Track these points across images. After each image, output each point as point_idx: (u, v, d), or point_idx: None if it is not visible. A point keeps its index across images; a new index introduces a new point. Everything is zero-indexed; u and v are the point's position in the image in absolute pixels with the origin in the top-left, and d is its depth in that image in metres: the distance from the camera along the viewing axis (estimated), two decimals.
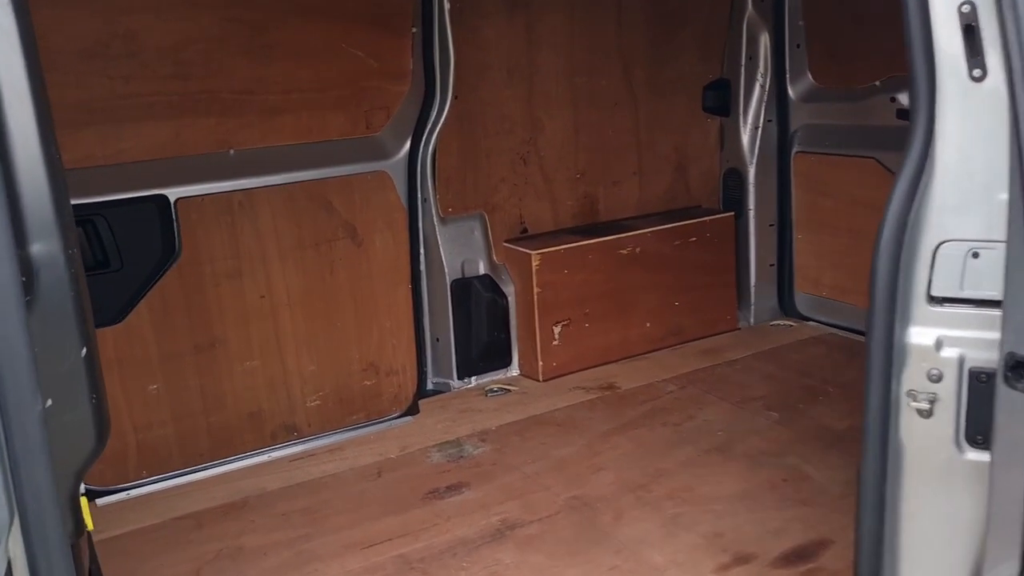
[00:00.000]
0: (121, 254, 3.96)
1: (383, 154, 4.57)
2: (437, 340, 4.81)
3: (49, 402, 1.32)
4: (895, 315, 2.16)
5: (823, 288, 5.33)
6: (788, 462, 3.78)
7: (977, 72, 1.99)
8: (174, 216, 4.06)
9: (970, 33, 2.04)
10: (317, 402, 4.49)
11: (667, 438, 4.07)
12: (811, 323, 5.41)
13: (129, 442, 4.06)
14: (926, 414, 2.14)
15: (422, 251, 4.72)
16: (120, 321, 4.01)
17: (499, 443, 4.14)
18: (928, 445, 2.15)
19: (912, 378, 2.16)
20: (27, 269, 1.34)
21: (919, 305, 2.12)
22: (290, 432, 4.41)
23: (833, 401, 4.34)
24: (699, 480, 3.68)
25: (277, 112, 4.28)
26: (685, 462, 3.85)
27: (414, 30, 4.48)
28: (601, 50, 4.96)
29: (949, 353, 1.98)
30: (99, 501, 3.87)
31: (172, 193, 4.06)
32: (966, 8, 2.04)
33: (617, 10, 4.93)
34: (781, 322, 5.49)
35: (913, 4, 2.13)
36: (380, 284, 4.60)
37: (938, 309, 2.08)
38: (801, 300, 5.48)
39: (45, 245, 1.36)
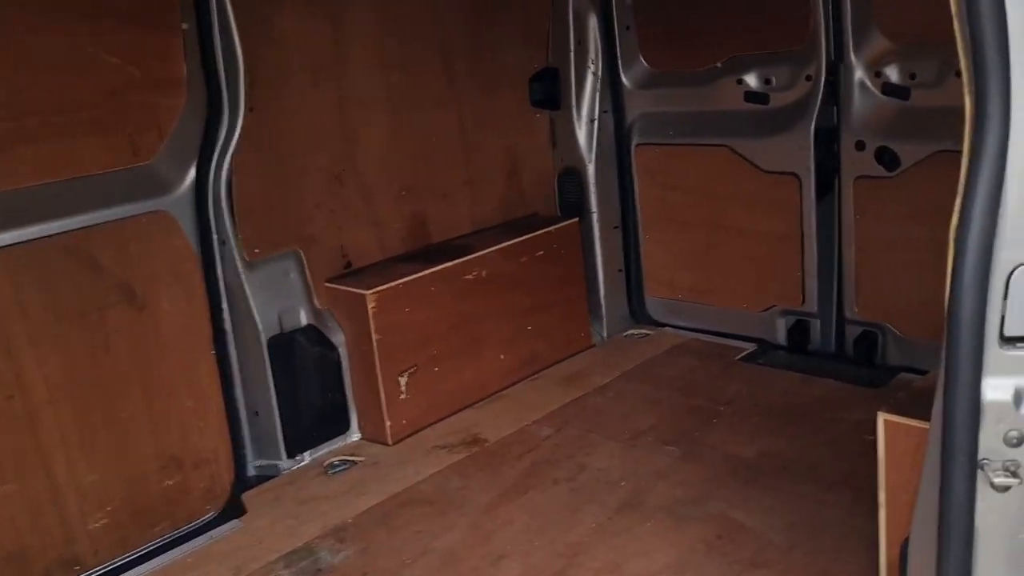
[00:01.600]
0: None
1: (160, 188, 3.54)
2: (256, 414, 3.85)
3: None
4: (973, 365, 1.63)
5: (678, 290, 4.91)
6: (712, 510, 3.25)
7: None
8: None
9: None
10: (104, 520, 3.40)
11: (564, 500, 3.42)
12: (667, 329, 4.97)
13: None
14: (1003, 488, 1.64)
15: (225, 306, 3.74)
16: None
17: (362, 541, 3.28)
18: (1007, 527, 1.64)
19: (986, 443, 1.64)
20: None
21: (991, 349, 1.61)
22: (69, 568, 3.31)
23: (729, 422, 3.88)
24: (621, 553, 3.05)
25: (5, 146, 3.13)
26: (596, 529, 3.21)
27: (185, 26, 3.47)
28: (418, 41, 4.18)
29: None
30: None
31: None
32: None
33: None
34: (635, 331, 5.01)
35: None
36: (174, 355, 3.57)
37: (1016, 353, 1.60)
38: (654, 305, 5.03)
39: None
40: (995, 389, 1.64)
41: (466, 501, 3.48)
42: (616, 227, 4.95)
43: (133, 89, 3.41)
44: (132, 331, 3.45)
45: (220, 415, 3.73)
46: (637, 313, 5.07)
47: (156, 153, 3.53)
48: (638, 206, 4.91)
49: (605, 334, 4.99)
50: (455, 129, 4.45)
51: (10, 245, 3.14)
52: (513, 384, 4.45)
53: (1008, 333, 1.63)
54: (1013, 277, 1.63)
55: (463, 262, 4.22)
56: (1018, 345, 1.63)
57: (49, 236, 3.22)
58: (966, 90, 1.69)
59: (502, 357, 4.42)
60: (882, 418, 2.34)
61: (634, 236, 4.97)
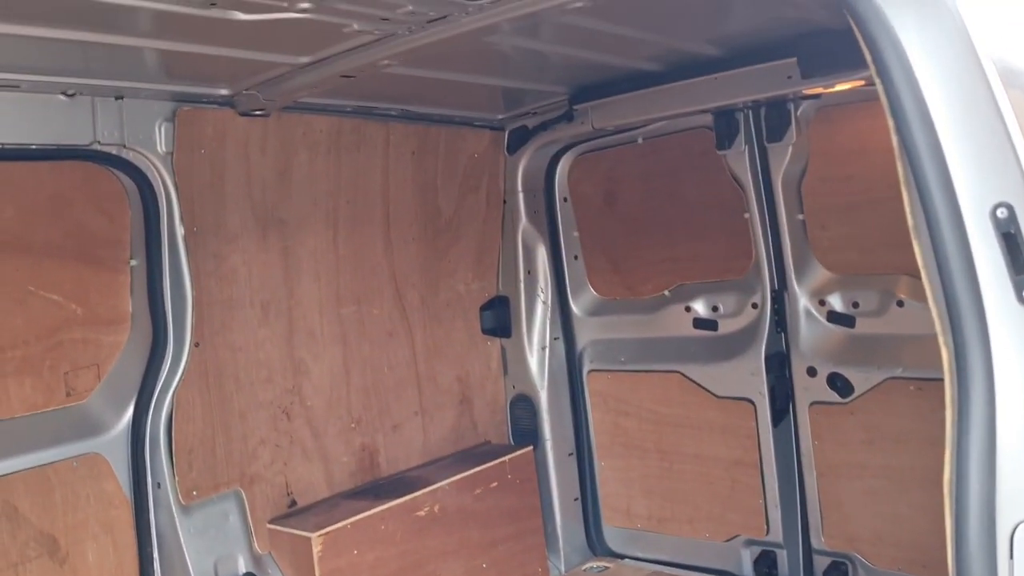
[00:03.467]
0: None
1: (93, 429, 3.36)
2: None
3: None
4: None
5: (636, 519, 4.72)
6: None
7: None
8: None
9: (1011, 242, 1.55)
10: None
11: None
12: (627, 561, 4.73)
13: None
14: None
15: (156, 555, 3.44)
16: None
17: None
18: None
19: None
20: None
21: None
22: None
23: None
24: None
25: None
26: None
27: (133, 263, 3.42)
28: (371, 273, 4.18)
29: None
30: None
31: None
32: (1002, 212, 1.55)
33: (385, 227, 4.22)
34: (594, 564, 4.76)
35: (941, 211, 1.60)
36: None
37: None
38: (612, 534, 4.81)
39: None
40: None
41: None
42: (571, 454, 4.82)
43: (73, 326, 3.30)
44: None
45: None
46: (595, 544, 4.84)
47: (92, 392, 3.37)
48: (592, 433, 4.81)
49: (563, 567, 4.72)
50: (407, 359, 4.38)
51: None
52: None
53: None
54: (1016, 535, 1.55)
55: (415, 497, 4.00)
56: None
57: None
58: (941, 341, 1.67)
59: None
60: None
61: (589, 463, 4.83)
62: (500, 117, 4.52)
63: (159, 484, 3.42)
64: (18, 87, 2.88)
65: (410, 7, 2.39)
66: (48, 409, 3.25)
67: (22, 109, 2.93)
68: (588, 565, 4.77)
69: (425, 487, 4.08)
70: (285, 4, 2.26)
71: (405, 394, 4.37)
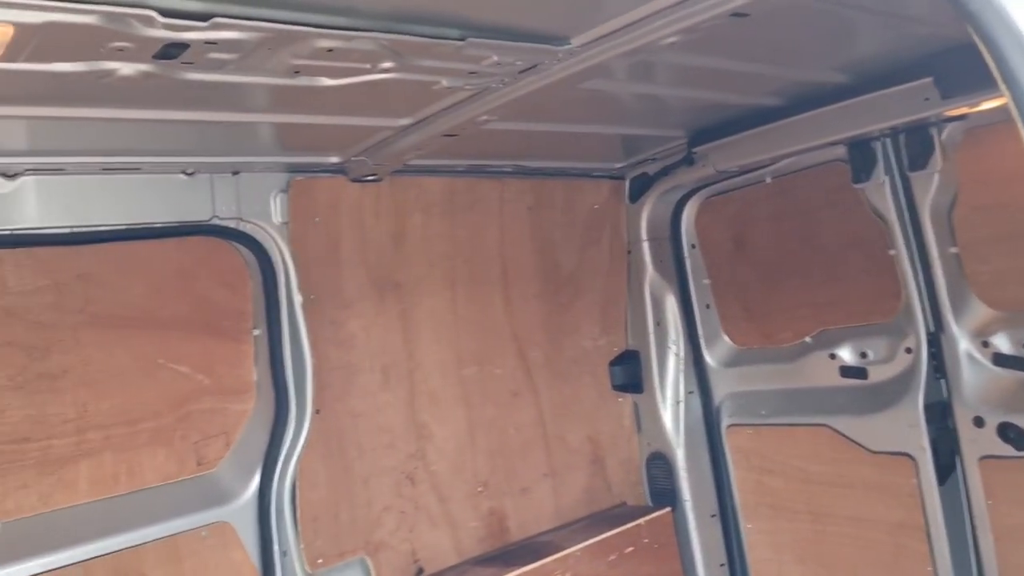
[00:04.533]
0: None
1: (222, 498, 3.39)
2: None
3: None
4: None
5: None
6: None
7: None
8: None
9: None
10: None
11: None
12: None
13: None
14: None
15: None
16: None
17: None
18: None
19: None
20: None
21: None
22: None
23: None
24: None
25: (67, 461, 3.08)
26: None
27: (256, 332, 3.48)
28: (492, 333, 4.11)
29: None
30: None
31: None
32: None
33: (504, 285, 4.15)
34: None
35: None
36: None
37: None
38: None
39: None
40: None
41: None
42: (713, 516, 4.52)
43: (201, 396, 3.38)
44: None
45: None
46: None
47: (221, 461, 3.43)
48: (735, 492, 4.49)
49: None
50: (534, 419, 4.25)
51: (60, 568, 2.98)
52: None
53: None
54: None
55: (544, 564, 3.83)
56: None
57: (99, 557, 3.06)
58: None
59: None
60: None
61: (734, 526, 4.51)
62: (619, 166, 4.39)
63: (285, 552, 3.41)
64: (140, 169, 3.01)
65: (495, 58, 2.32)
66: (179, 479, 3.33)
67: (145, 189, 3.06)
68: None
69: (556, 553, 3.91)
70: (368, 66, 2.24)
71: (533, 456, 4.23)
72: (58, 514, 3.05)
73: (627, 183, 4.51)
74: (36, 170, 2.81)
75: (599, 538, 4.07)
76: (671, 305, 4.55)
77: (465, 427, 3.98)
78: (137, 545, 3.15)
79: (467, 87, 2.56)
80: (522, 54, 2.35)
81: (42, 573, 2.95)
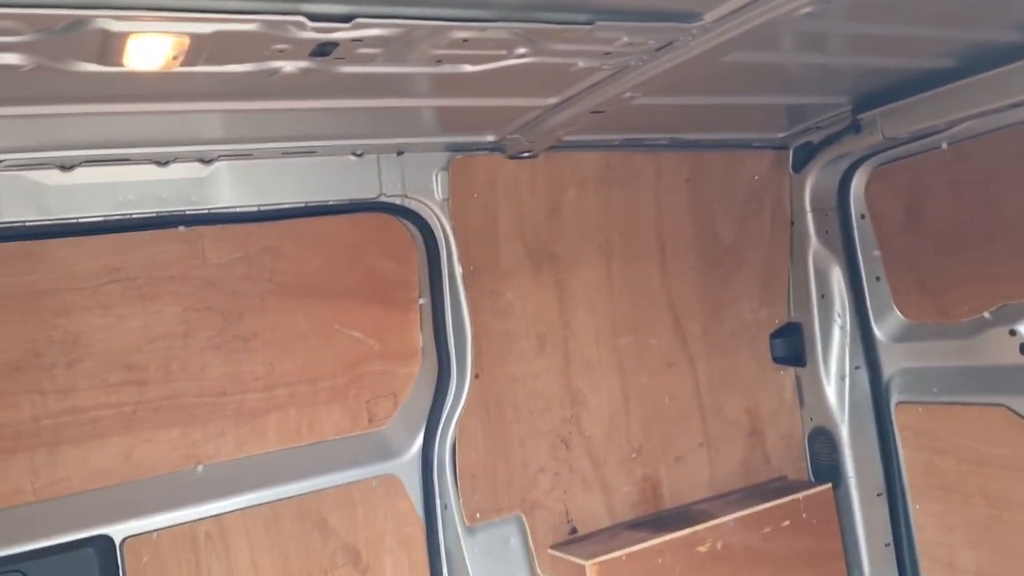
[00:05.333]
0: None
1: (390, 453, 3.71)
2: None
3: None
4: None
5: (960, 572, 4.15)
6: None
7: None
8: (119, 562, 3.14)
9: None
10: None
11: None
12: None
13: None
14: None
15: (445, 571, 3.70)
16: None
17: None
18: None
19: None
20: None
21: None
22: None
23: None
24: None
25: (257, 414, 3.49)
26: None
27: (421, 301, 3.75)
28: (648, 304, 4.17)
29: None
30: None
31: (118, 531, 3.18)
32: None
33: (661, 257, 4.19)
34: None
35: None
36: None
37: None
38: None
39: None
40: None
41: None
42: (879, 494, 4.38)
43: (372, 360, 3.70)
44: None
45: None
46: None
47: (390, 419, 3.74)
48: (903, 472, 4.33)
49: None
50: (689, 390, 4.29)
51: (251, 507, 3.39)
52: None
53: None
54: None
55: (696, 531, 3.89)
56: None
57: (285, 499, 3.44)
58: None
59: None
60: None
61: (902, 506, 4.36)
62: (781, 135, 4.30)
63: (446, 506, 3.69)
64: (315, 152, 3.32)
65: (626, 39, 2.39)
66: (353, 434, 3.67)
67: (319, 171, 3.37)
68: None
69: (708, 521, 3.96)
70: (504, 52, 2.38)
71: (688, 425, 4.27)
72: (250, 460, 3.46)
73: (791, 153, 4.40)
74: (228, 156, 3.17)
75: (754, 509, 4.07)
76: (837, 277, 4.42)
77: (619, 395, 4.09)
78: (317, 491, 3.52)
79: (604, 67, 2.64)
80: (653, 33, 2.41)
81: (236, 511, 3.37)
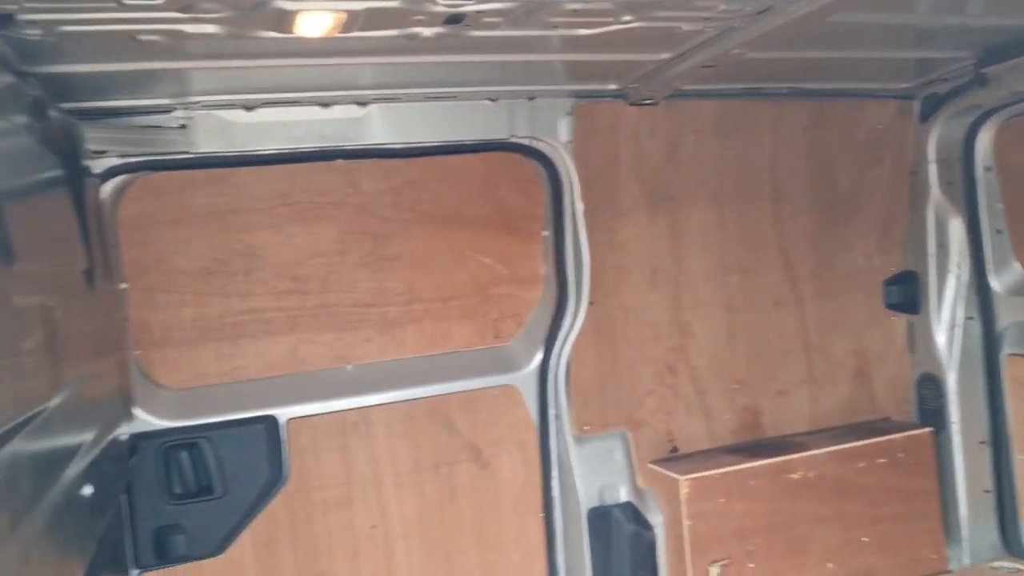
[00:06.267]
0: (225, 479, 3.70)
1: (512, 366, 4.18)
2: None
3: None
4: None
5: None
6: None
7: None
8: (283, 438, 3.80)
9: None
10: None
11: None
12: None
13: None
14: None
15: (555, 474, 4.18)
16: (221, 552, 3.70)
17: None
18: None
19: None
20: None
21: None
22: None
23: None
24: None
25: (398, 324, 4.03)
26: None
27: (545, 233, 4.16)
28: (758, 246, 4.41)
29: None
30: None
31: (283, 413, 3.82)
32: None
33: (775, 202, 4.40)
34: (1006, 564, 4.41)
35: None
36: (507, 512, 4.10)
37: None
38: None
39: None
40: None
41: None
42: (982, 442, 4.50)
43: (500, 284, 4.16)
44: (475, 486, 4.06)
45: (542, 574, 4.11)
46: (1011, 542, 4.47)
47: (514, 337, 4.21)
48: (1009, 422, 4.43)
49: (967, 560, 4.46)
50: (796, 329, 4.52)
51: (391, 403, 3.97)
52: None
53: None
54: None
55: (789, 459, 4.19)
56: None
57: (419, 399, 4.00)
58: None
59: (829, 566, 4.21)
60: None
61: (1005, 455, 4.46)
62: (906, 86, 4.36)
63: (558, 416, 4.14)
64: (454, 97, 3.75)
65: (723, 6, 2.65)
66: (480, 347, 4.17)
67: (457, 114, 3.80)
68: (999, 564, 4.44)
69: (802, 452, 4.24)
70: (611, 19, 2.70)
71: (793, 362, 4.52)
72: (391, 363, 4.03)
73: (917, 103, 4.46)
74: (379, 100, 3.66)
75: (850, 444, 4.31)
76: (956, 228, 4.48)
77: (726, 329, 4.38)
78: (446, 394, 4.05)
79: (707, 29, 2.91)
80: (750, 0, 2.66)
81: (378, 405, 3.96)
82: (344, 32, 2.55)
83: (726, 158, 4.26)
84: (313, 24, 2.45)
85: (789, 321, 4.50)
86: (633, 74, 3.69)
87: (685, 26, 2.86)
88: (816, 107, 4.33)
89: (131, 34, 2.42)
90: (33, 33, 2.29)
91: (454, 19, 2.53)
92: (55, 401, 2.20)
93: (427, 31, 2.64)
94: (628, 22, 2.73)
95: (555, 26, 2.73)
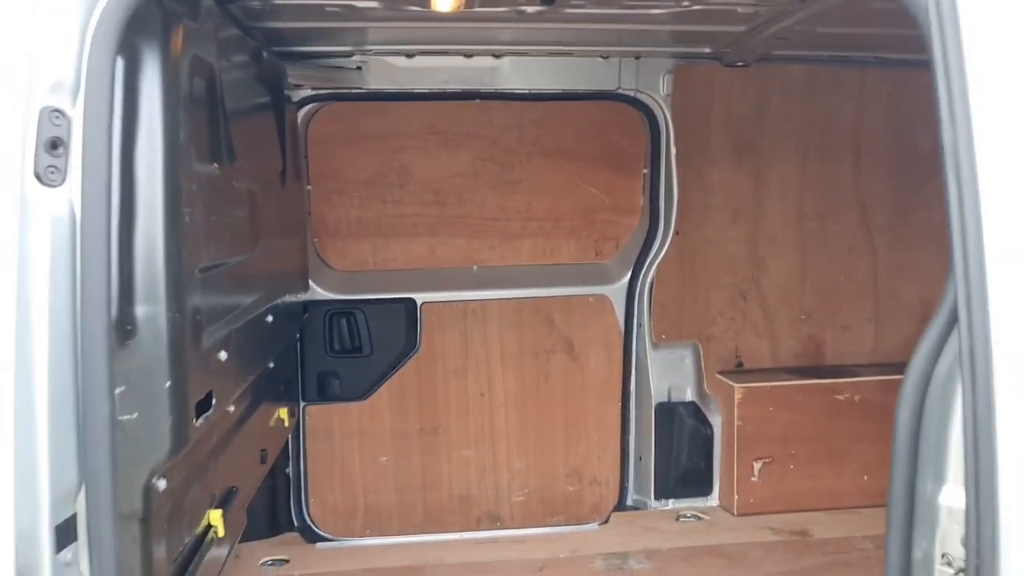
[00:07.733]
0: (372, 343, 4.82)
1: (606, 279, 5.03)
2: (640, 459, 5.04)
3: (135, 414, 1.97)
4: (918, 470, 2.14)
5: None
6: None
7: None
8: (419, 317, 4.86)
9: None
10: (521, 498, 4.95)
11: None
12: None
13: (358, 503, 4.83)
14: None
15: (633, 373, 5.03)
16: (366, 398, 4.84)
17: (662, 563, 4.25)
18: None
19: (945, 543, 2.10)
20: (131, 320, 2.01)
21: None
22: (494, 521, 4.90)
23: None
24: None
25: (517, 237, 4.96)
26: None
27: (645, 171, 4.95)
28: (836, 196, 4.99)
29: None
30: (320, 545, 4.65)
31: (420, 298, 4.87)
32: None
33: (855, 157, 4.96)
34: None
35: None
36: (591, 398, 5.00)
37: None
38: None
39: (150, 307, 2.03)
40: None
41: (756, 567, 4.18)
42: None
43: (603, 211, 5.00)
44: (566, 373, 4.99)
45: (615, 452, 5.03)
46: None
47: (611, 257, 5.06)
48: None
49: None
50: (866, 273, 5.08)
51: (504, 299, 4.95)
52: (871, 506, 4.82)
53: None
54: None
55: (836, 382, 4.84)
56: None
57: (527, 298, 4.95)
58: None
59: (866, 479, 4.85)
60: None
61: None
62: None
63: (640, 324, 4.98)
64: (571, 54, 4.58)
65: None
66: (583, 262, 5.05)
67: (574, 68, 4.65)
68: None
69: (851, 378, 4.87)
70: (673, 3, 3.45)
71: (860, 302, 5.10)
72: (508, 268, 4.99)
73: None
74: (510, 53, 4.56)
75: (897, 377, 4.86)
76: None
77: (798, 267, 5.03)
78: (549, 296, 4.98)
79: (760, 12, 3.59)
80: None
81: (495, 299, 4.94)
82: (467, 8, 3.45)
83: (811, 117, 4.86)
84: (444, 0, 3.38)
85: (861, 266, 5.07)
86: (721, 41, 4.37)
87: (740, 9, 3.55)
88: (900, 75, 4.82)
89: (320, 6, 3.44)
90: (254, 3, 3.35)
91: (547, 0, 3.37)
92: (255, 254, 3.31)
93: (531, 9, 3.49)
94: (688, 5, 3.46)
95: (633, 7, 3.51)
